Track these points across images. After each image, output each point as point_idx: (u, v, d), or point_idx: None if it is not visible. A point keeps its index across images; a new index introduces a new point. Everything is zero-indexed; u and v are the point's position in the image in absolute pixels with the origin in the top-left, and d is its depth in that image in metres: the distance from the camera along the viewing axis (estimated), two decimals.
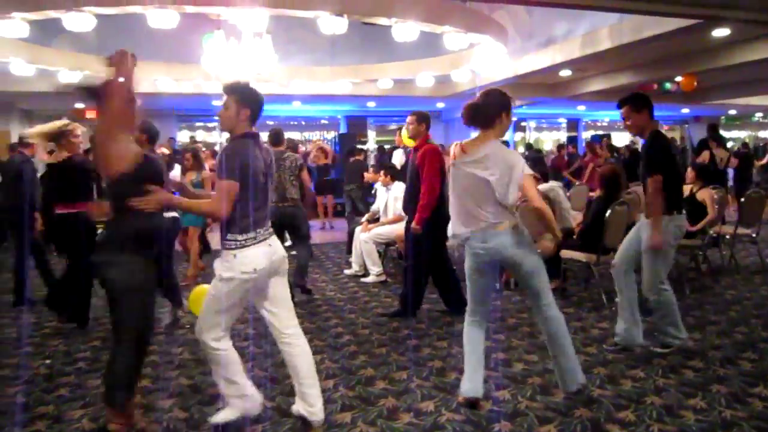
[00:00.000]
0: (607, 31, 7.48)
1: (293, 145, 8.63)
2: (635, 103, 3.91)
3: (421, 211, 4.75)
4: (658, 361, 3.93)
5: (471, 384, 3.34)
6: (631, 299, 4.07)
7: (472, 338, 3.42)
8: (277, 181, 5.56)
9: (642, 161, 3.96)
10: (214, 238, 7.37)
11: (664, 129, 20.50)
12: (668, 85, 12.26)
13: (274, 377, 3.76)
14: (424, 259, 4.97)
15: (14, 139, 12.95)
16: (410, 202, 4.93)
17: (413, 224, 4.81)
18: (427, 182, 4.74)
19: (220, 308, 2.88)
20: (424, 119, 5.00)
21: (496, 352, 4.17)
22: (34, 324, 4.97)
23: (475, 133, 3.28)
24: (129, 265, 2.76)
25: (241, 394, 3.00)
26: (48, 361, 4.09)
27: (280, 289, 3.03)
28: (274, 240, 3.00)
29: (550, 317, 3.27)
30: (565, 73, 10.39)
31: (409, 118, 5.04)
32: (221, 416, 3.03)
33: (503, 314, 5.13)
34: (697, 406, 3.28)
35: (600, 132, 18.84)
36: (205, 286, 3.89)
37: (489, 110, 3.22)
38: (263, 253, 2.88)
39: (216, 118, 15.92)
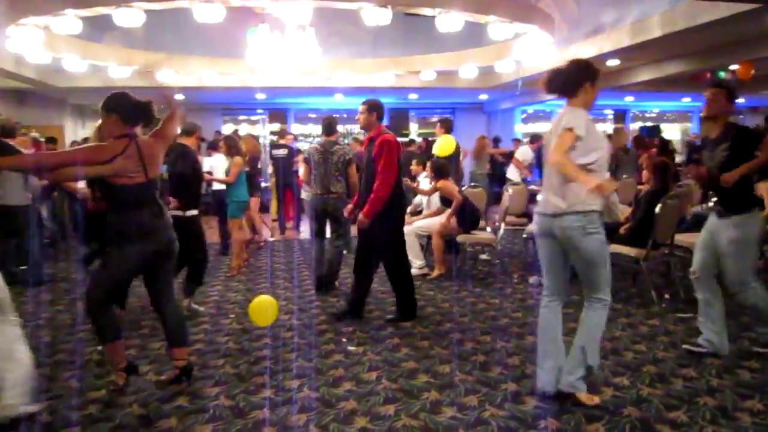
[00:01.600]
0: (658, 19, 7.22)
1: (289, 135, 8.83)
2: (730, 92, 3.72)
3: (371, 204, 4.51)
4: (711, 360, 3.79)
5: (549, 377, 3.23)
6: (721, 306, 3.86)
7: (549, 324, 3.30)
8: (323, 174, 5.59)
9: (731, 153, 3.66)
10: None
11: None
12: (723, 74, 11.77)
13: (319, 368, 3.78)
14: (375, 255, 4.77)
15: (68, 133, 13.44)
16: (365, 195, 4.65)
17: (360, 216, 4.58)
18: (381, 175, 4.49)
19: None
20: (374, 108, 4.70)
21: None
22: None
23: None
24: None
25: None
26: (100, 348, 4.21)
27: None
28: None
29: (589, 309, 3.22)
30: (613, 62, 10.08)
31: (359, 107, 4.75)
32: None
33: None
34: (754, 408, 3.15)
35: (649, 123, 18.30)
36: (265, 297, 3.94)
37: (571, 77, 3.09)
38: None
39: (259, 111, 16.18)
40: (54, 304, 5.40)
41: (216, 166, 7.62)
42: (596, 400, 3.21)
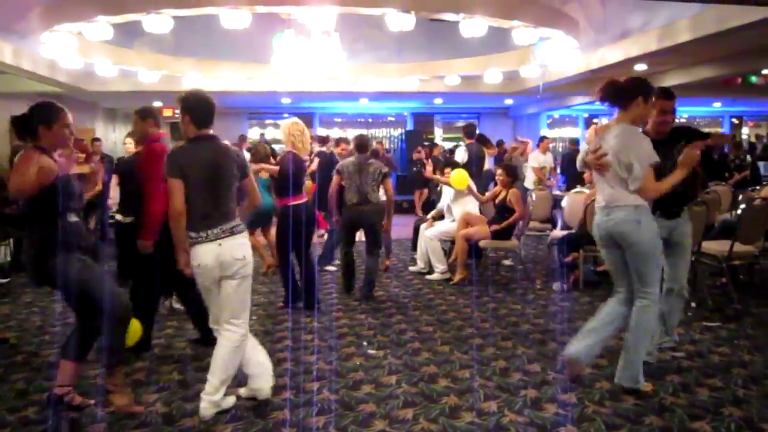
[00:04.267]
0: (687, 23, 7.13)
1: (375, 151, 8.65)
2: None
3: (148, 227, 3.86)
4: (738, 370, 3.72)
5: (575, 347, 3.44)
6: None
7: (606, 310, 3.49)
8: (359, 183, 5.60)
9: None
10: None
11: (749, 125, 19.41)
12: (754, 79, 11.57)
13: (339, 371, 3.80)
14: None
15: (99, 136, 13.74)
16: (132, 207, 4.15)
17: (140, 241, 3.89)
18: (147, 195, 3.85)
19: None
20: (147, 115, 4.13)
21: (563, 354, 4.06)
22: None
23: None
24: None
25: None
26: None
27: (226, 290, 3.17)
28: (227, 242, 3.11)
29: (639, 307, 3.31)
30: (641, 67, 9.96)
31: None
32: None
33: (571, 316, 5.00)
34: None
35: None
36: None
37: (626, 90, 3.30)
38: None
39: (285, 115, 16.36)
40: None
41: None
42: (650, 387, 3.41)
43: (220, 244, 3.09)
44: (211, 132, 3.23)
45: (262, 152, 6.60)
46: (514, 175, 6.47)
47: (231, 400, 3.27)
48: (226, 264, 3.10)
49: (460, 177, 6.48)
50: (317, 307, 5.21)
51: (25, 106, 3.11)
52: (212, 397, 3.16)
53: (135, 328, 3.53)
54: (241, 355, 3.23)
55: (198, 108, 3.16)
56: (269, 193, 6.57)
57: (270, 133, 17.02)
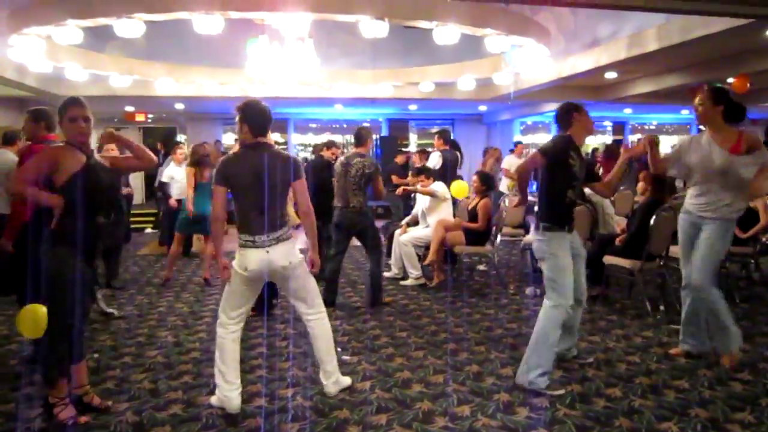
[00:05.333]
0: (654, 32, 7.28)
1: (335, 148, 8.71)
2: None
3: (9, 226, 3.92)
4: (703, 372, 3.81)
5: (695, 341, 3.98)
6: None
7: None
8: (342, 186, 5.47)
9: None
10: None
11: None
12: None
13: (313, 377, 3.80)
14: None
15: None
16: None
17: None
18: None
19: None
20: (40, 117, 4.11)
21: None
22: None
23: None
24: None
25: (221, 384, 3.27)
26: (96, 355, 4.24)
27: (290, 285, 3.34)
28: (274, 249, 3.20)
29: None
30: (611, 75, 10.16)
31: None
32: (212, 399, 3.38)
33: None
34: (745, 420, 3.17)
35: (637, 136, 18.40)
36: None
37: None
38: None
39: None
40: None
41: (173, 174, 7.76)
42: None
43: (267, 252, 3.19)
44: (266, 139, 3.36)
45: (200, 153, 6.59)
46: (487, 184, 6.53)
47: (347, 380, 3.59)
48: (272, 271, 3.22)
49: (460, 188, 6.82)
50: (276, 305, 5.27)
51: None
52: (333, 379, 3.47)
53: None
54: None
55: (256, 117, 3.27)
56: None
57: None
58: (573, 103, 3.76)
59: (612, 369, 3.92)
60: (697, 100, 3.85)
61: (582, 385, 3.64)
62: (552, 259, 3.59)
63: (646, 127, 19.69)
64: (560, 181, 3.61)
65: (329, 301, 5.27)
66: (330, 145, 7.22)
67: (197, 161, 6.52)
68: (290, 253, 3.27)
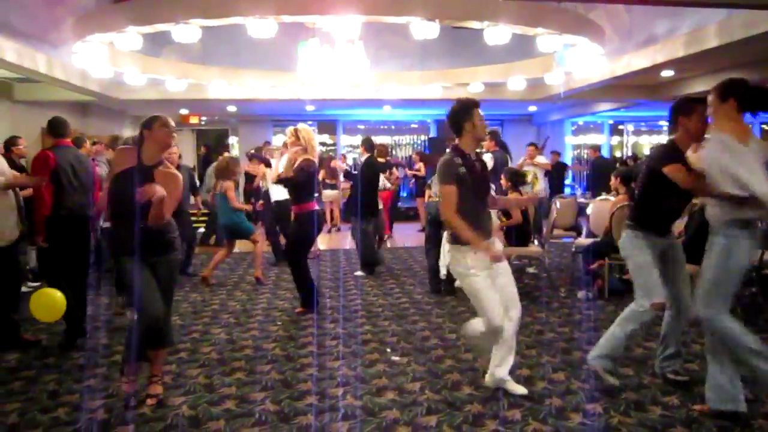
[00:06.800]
0: (714, 28, 7.02)
1: (385, 150, 8.77)
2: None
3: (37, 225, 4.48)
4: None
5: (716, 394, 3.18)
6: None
7: None
8: None
9: None
10: None
11: None
12: None
13: (363, 377, 3.83)
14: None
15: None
16: None
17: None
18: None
19: None
20: (48, 129, 4.74)
21: (588, 364, 4.02)
22: None
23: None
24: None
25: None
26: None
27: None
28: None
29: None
30: (667, 73, 9.84)
31: None
32: None
33: (596, 324, 4.95)
34: None
35: (707, 136, 17.70)
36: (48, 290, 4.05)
37: None
38: None
39: (309, 123, 16.35)
40: (110, 308, 5.62)
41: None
42: None
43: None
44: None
45: (223, 166, 6.77)
46: (513, 181, 6.40)
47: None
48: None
49: None
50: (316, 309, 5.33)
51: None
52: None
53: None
54: None
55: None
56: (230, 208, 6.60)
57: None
58: (686, 101, 3.37)
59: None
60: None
61: (637, 392, 3.54)
62: (629, 260, 3.56)
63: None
64: (659, 187, 3.39)
65: (434, 289, 6.10)
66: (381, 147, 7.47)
67: (225, 173, 6.77)
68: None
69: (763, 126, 18.58)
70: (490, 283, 3.39)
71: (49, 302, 3.86)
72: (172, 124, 3.44)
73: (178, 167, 6.55)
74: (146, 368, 3.56)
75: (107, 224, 4.85)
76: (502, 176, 6.54)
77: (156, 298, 3.30)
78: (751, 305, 5.29)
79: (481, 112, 3.64)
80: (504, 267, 3.52)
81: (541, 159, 10.11)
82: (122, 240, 3.31)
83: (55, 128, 4.72)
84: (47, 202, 4.39)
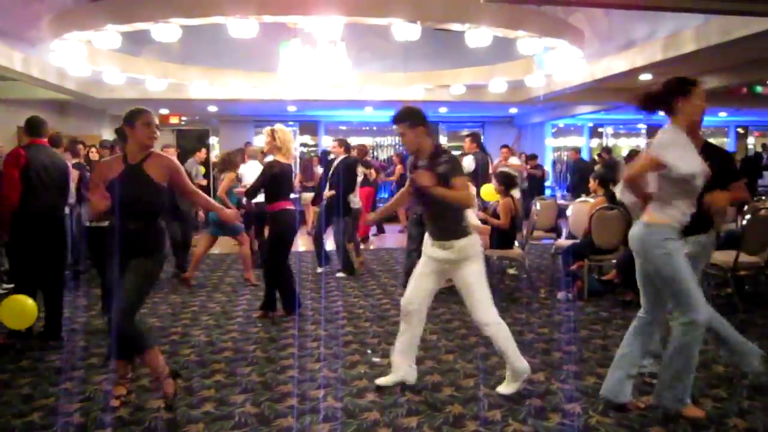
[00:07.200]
0: (692, 33, 7.13)
1: (364, 151, 8.79)
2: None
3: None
4: (743, 381, 3.70)
5: (607, 383, 3.34)
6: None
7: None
8: None
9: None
10: None
11: (755, 135, 19.39)
12: (759, 89, 11.57)
13: (344, 378, 3.82)
14: None
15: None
16: None
17: None
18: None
19: None
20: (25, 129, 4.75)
21: (567, 364, 4.07)
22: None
23: None
24: None
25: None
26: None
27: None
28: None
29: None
30: (646, 77, 9.96)
31: None
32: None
33: (576, 325, 4.99)
34: None
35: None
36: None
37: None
38: None
39: (291, 123, 16.27)
40: (89, 310, 5.55)
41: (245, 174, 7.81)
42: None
43: None
44: None
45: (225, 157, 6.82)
46: (506, 184, 6.42)
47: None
48: None
49: (490, 191, 6.82)
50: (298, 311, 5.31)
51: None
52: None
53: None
54: None
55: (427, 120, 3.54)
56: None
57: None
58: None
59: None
60: None
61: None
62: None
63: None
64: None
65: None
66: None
67: (227, 165, 6.74)
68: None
69: (739, 129, 18.94)
70: (423, 271, 3.63)
71: (18, 309, 3.79)
72: (155, 121, 3.34)
73: None
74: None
75: (92, 224, 4.76)
76: (494, 179, 6.55)
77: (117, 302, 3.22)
78: (726, 305, 5.38)
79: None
80: (462, 271, 3.55)
81: (514, 161, 10.19)
82: (127, 241, 3.23)
83: (31, 127, 4.67)
84: (11, 198, 4.37)
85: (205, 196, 3.79)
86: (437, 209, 3.48)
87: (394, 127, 3.55)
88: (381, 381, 3.67)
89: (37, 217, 4.46)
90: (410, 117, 3.51)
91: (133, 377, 3.70)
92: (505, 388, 3.55)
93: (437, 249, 3.53)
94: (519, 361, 3.52)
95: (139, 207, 3.23)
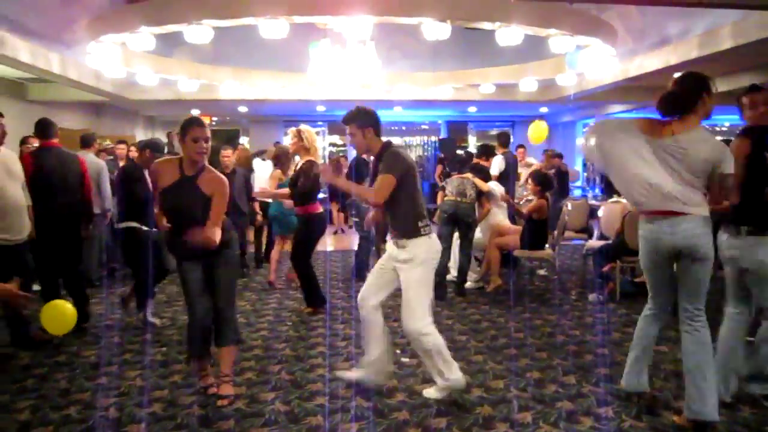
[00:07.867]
0: (729, 29, 6.96)
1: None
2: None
3: None
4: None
5: (629, 376, 3.35)
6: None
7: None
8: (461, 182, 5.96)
9: None
10: None
11: None
12: None
13: None
14: None
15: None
16: None
17: None
18: None
19: None
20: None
21: (599, 367, 4.00)
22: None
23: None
24: None
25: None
26: (164, 349, 4.40)
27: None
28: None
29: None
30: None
31: None
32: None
33: (607, 327, 4.92)
34: None
35: (719, 138, 17.55)
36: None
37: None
38: None
39: (319, 123, 16.42)
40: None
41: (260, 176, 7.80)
42: None
43: None
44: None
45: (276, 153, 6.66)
46: (542, 184, 6.31)
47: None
48: None
49: (539, 131, 6.78)
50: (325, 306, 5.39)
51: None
52: None
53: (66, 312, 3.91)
54: None
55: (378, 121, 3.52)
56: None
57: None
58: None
59: (681, 380, 3.75)
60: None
61: (650, 396, 3.51)
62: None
63: (717, 129, 18.84)
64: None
65: (438, 296, 5.40)
66: None
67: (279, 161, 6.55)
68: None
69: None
70: (381, 264, 3.61)
71: (59, 315, 3.90)
72: (206, 134, 3.29)
73: (233, 171, 6.54)
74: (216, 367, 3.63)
75: (123, 225, 4.87)
76: (530, 180, 6.44)
77: (201, 301, 3.41)
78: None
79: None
80: (404, 272, 3.46)
81: (532, 160, 10.06)
82: (178, 247, 3.39)
83: (40, 130, 4.78)
84: None
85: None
86: (387, 208, 3.46)
87: (346, 127, 3.54)
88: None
89: (49, 218, 4.60)
90: (359, 118, 3.47)
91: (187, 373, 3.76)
92: (431, 392, 3.52)
93: (393, 246, 3.53)
94: (449, 372, 3.41)
95: (190, 215, 3.31)
